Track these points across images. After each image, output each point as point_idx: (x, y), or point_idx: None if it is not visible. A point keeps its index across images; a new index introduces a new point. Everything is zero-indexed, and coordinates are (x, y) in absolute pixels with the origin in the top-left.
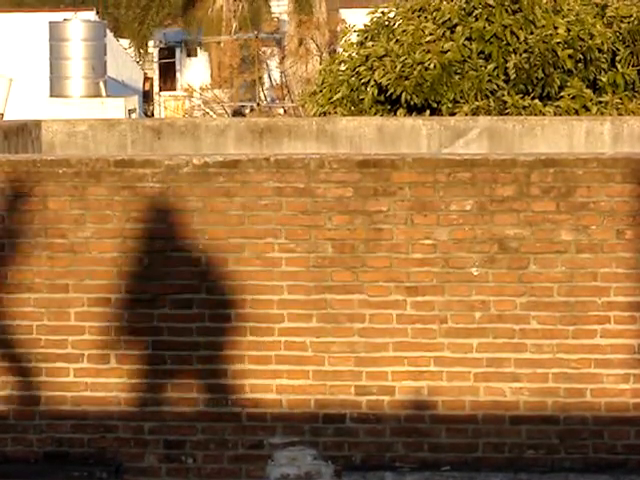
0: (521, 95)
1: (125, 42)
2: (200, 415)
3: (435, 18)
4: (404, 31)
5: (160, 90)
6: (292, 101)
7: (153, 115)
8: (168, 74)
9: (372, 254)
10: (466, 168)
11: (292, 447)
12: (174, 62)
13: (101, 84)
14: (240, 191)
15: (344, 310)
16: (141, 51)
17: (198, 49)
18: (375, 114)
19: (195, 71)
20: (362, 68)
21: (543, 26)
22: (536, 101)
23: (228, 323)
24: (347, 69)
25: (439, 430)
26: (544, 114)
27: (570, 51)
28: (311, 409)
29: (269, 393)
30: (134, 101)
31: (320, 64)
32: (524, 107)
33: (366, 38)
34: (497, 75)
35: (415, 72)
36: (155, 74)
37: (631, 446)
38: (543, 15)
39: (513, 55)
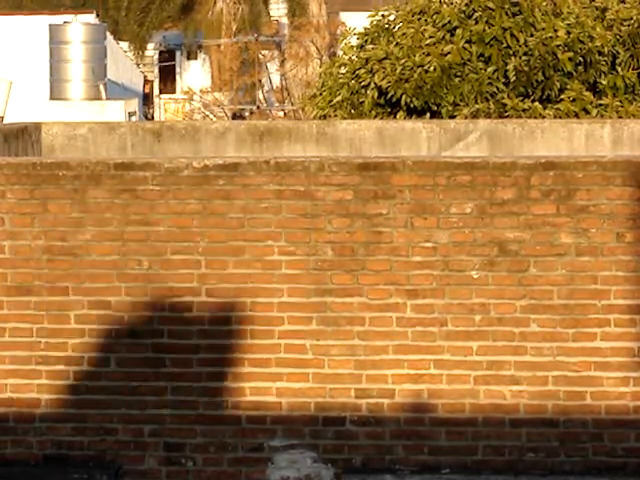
0: (521, 98)
1: (125, 45)
2: (200, 418)
3: (435, 21)
4: (404, 34)
5: (160, 93)
6: (292, 104)
7: (153, 118)
8: (168, 77)
9: (372, 257)
10: (466, 171)
11: (292, 450)
12: (174, 65)
13: (101, 87)
14: (240, 194)
15: (344, 313)
16: (140, 53)
17: (198, 52)
18: (375, 117)
19: (195, 74)
20: (362, 71)
21: (543, 29)
22: (536, 104)
23: (228, 326)
24: (347, 72)
25: (439, 433)
26: (544, 117)
27: (570, 54)
28: (311, 412)
29: (269, 396)
30: (134, 104)
31: (320, 67)
32: (524, 110)
33: (366, 41)
34: (497, 78)
35: (415, 75)
36: (155, 77)
37: (631, 449)
38: (543, 18)
39: (513, 58)
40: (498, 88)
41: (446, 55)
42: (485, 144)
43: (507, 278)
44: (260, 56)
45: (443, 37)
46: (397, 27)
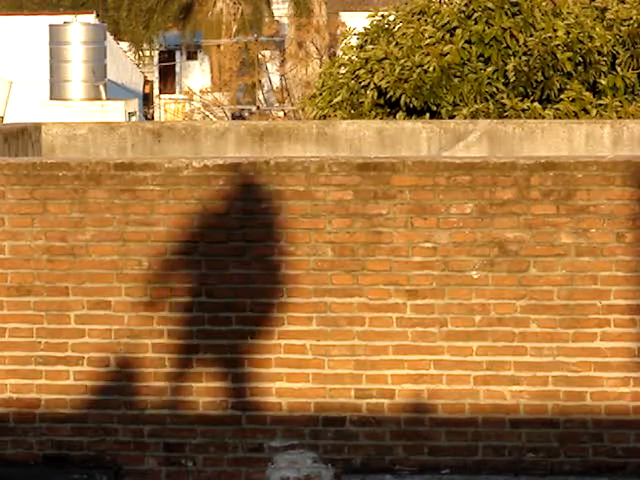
0: (520, 98)
1: (125, 45)
2: (200, 418)
3: (435, 21)
4: (404, 34)
5: (160, 93)
6: (292, 104)
7: (153, 118)
8: (168, 77)
9: (372, 257)
10: (466, 171)
11: (292, 450)
12: (174, 65)
13: (101, 87)
14: (240, 194)
15: (344, 313)
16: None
17: (198, 52)
18: (375, 117)
19: (195, 74)
20: (362, 71)
21: (542, 29)
22: (535, 104)
23: (228, 326)
24: (347, 72)
25: (439, 433)
26: (543, 117)
27: (570, 54)
28: (311, 412)
29: (269, 396)
30: (134, 104)
31: (320, 67)
32: (523, 110)
33: (366, 41)
34: (496, 78)
35: (414, 75)
36: (155, 77)
37: (631, 449)
38: (542, 18)
39: (512, 58)
40: (497, 88)
41: (445, 55)
42: (485, 144)
43: (507, 278)
44: (260, 56)
45: (443, 37)
46: (397, 27)
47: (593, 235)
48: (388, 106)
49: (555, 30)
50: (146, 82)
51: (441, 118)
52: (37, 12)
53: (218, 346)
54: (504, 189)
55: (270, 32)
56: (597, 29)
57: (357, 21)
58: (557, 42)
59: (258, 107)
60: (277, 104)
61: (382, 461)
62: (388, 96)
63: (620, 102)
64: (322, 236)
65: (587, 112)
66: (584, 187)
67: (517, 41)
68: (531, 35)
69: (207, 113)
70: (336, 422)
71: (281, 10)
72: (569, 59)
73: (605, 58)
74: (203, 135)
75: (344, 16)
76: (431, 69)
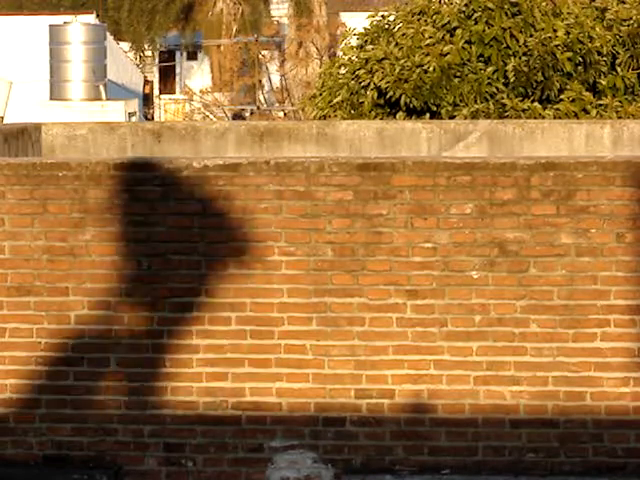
0: (520, 98)
1: (125, 45)
2: (200, 418)
3: (435, 21)
4: (404, 34)
5: (160, 93)
6: (292, 104)
7: (153, 118)
8: (168, 77)
9: (372, 257)
10: (466, 171)
11: (292, 450)
12: (174, 65)
13: (101, 87)
14: (240, 194)
15: (344, 313)
16: (145, 54)
17: (198, 52)
18: (375, 117)
19: (195, 74)
20: (362, 71)
21: (542, 29)
22: (535, 104)
23: (228, 326)
24: (347, 72)
25: (439, 433)
26: (543, 117)
27: (570, 54)
28: (311, 412)
29: (269, 396)
30: (134, 104)
31: (320, 67)
32: (523, 110)
33: (366, 41)
34: (496, 78)
35: (414, 75)
36: (155, 77)
37: (631, 449)
38: (542, 18)
39: (512, 58)
40: (498, 88)
41: (445, 55)
42: (485, 144)
43: (507, 278)
44: (260, 57)
45: (443, 37)
46: (397, 27)
47: (593, 235)
48: (388, 106)
49: (555, 30)
50: (146, 82)
51: (441, 118)
52: (37, 12)
53: (218, 346)
54: (504, 189)
55: (270, 32)
56: (597, 29)
57: (357, 21)
58: (557, 42)
59: (258, 107)
60: (277, 104)
61: (382, 461)
62: (388, 96)
63: (620, 102)
64: (322, 236)
65: (587, 112)
66: (584, 187)
67: (517, 41)
68: (531, 35)
69: (207, 113)
70: (336, 422)
71: (281, 10)
72: (569, 59)
73: (605, 58)
74: (203, 135)
75: (344, 16)
76: (431, 69)
